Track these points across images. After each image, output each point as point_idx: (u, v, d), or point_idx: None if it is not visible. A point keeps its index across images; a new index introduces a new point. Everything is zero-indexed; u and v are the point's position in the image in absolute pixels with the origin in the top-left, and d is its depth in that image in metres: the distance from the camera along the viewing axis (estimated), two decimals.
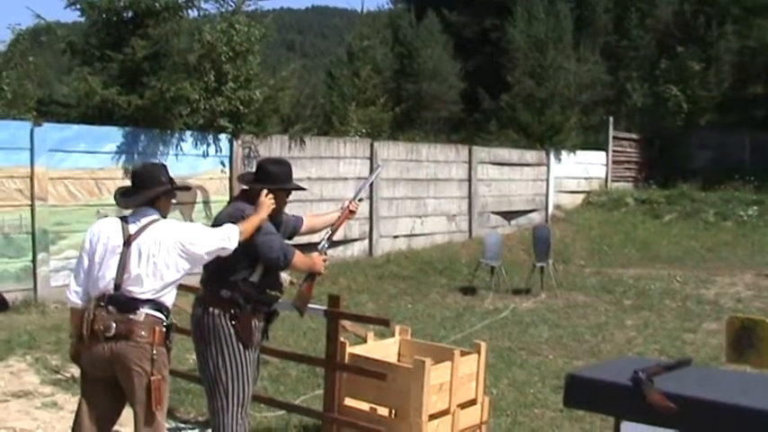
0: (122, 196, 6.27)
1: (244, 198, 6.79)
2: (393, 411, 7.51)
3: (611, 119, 32.04)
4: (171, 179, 6.31)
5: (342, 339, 7.52)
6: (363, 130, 24.41)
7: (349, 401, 7.52)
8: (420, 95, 36.68)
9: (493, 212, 25.29)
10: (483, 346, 7.61)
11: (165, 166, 6.54)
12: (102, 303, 5.89)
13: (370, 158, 20.84)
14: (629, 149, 33.43)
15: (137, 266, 5.89)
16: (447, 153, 23.91)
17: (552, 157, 28.08)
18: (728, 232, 25.71)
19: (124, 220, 6.09)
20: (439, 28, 39.47)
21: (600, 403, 5.55)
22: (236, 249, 6.27)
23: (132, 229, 6.00)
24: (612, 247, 19.58)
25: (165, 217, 6.25)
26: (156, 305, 5.95)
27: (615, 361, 6.02)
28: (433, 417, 7.07)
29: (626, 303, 15.96)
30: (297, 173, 19.17)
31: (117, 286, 5.88)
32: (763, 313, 13.24)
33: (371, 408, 7.42)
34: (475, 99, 35.85)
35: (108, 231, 6.05)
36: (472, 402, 7.52)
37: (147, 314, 5.89)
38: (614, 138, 32.11)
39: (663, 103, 34.79)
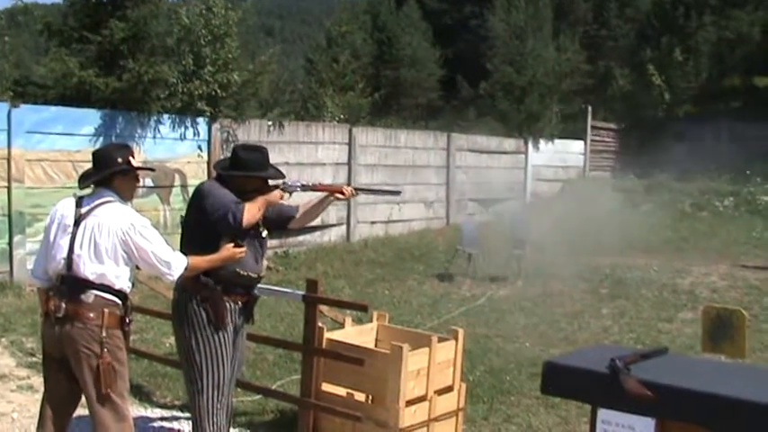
0: (81, 178, 6.18)
1: (217, 182, 6.67)
2: (370, 397, 7.51)
3: (589, 108, 32.14)
4: (129, 160, 6.11)
5: (319, 324, 7.51)
6: (342, 116, 24.38)
7: (326, 387, 7.51)
8: (399, 82, 36.79)
9: (470, 200, 25.32)
10: (460, 332, 7.61)
11: (126, 147, 6.43)
12: (58, 283, 5.84)
13: (349, 144, 20.82)
14: (607, 139, 33.58)
15: (80, 247, 5.79)
16: (425, 140, 23.93)
17: (530, 145, 28.14)
18: (704, 222, 25.80)
19: (80, 199, 6.00)
20: (418, 15, 39.60)
21: (577, 391, 5.57)
22: (200, 230, 6.34)
23: (84, 209, 5.89)
24: (590, 236, 19.58)
25: (127, 199, 6.15)
26: (106, 287, 5.82)
27: (592, 349, 6.04)
28: (410, 403, 7.06)
29: (602, 292, 15.97)
30: (275, 158, 19.10)
31: (68, 266, 5.79)
32: (738, 303, 13.32)
33: (348, 393, 7.42)
34: (454, 86, 35.99)
35: (63, 210, 5.98)
36: (449, 389, 7.53)
37: (96, 296, 5.78)
38: (592, 127, 32.24)
39: (646, 92, 34.90)
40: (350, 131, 21.14)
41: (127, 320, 6.00)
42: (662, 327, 13.30)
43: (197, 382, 6.45)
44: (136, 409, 8.58)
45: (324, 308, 8.01)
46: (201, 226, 6.32)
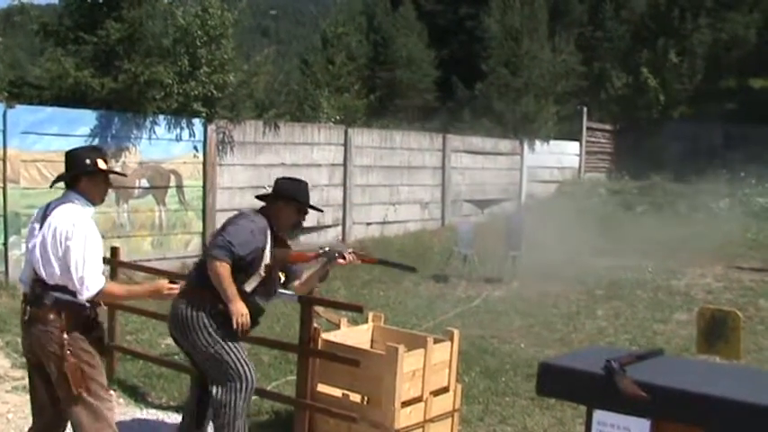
0: (55, 179, 6.14)
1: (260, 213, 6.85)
2: (366, 398, 7.51)
3: (584, 109, 32.19)
4: (96, 162, 5.97)
5: (315, 325, 7.51)
6: (337, 117, 24.39)
7: (322, 387, 7.52)
8: (394, 83, 36.77)
9: (466, 201, 25.34)
10: (456, 333, 7.62)
11: (97, 150, 6.30)
12: (30, 287, 5.85)
13: (345, 145, 20.83)
14: (602, 140, 33.63)
15: (38, 250, 5.78)
16: (421, 141, 23.95)
17: (526, 146, 28.16)
18: (700, 224, 25.79)
19: (50, 202, 5.98)
20: (414, 16, 39.57)
21: (572, 392, 5.58)
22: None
23: (48, 211, 5.88)
24: (585, 237, 19.62)
25: (96, 201, 6.06)
26: (65, 289, 5.75)
27: (587, 350, 6.06)
28: (405, 404, 7.08)
29: (597, 293, 15.99)
30: (270, 159, 19.21)
31: (34, 270, 5.80)
32: (733, 305, 13.32)
33: (344, 394, 7.42)
34: (449, 87, 35.97)
35: (36, 214, 5.99)
36: (444, 390, 7.54)
37: (56, 298, 5.73)
38: (588, 128, 32.29)
39: (641, 93, 34.95)
40: (345, 132, 21.15)
41: (96, 321, 5.96)
42: (657, 328, 13.33)
43: (235, 380, 6.56)
44: (131, 410, 8.59)
45: (319, 309, 8.02)
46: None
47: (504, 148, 27.44)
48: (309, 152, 20.01)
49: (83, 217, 5.85)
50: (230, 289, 6.43)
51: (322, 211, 7.14)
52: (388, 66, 37.44)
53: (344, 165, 20.84)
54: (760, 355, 11.40)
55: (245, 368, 6.57)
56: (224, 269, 6.41)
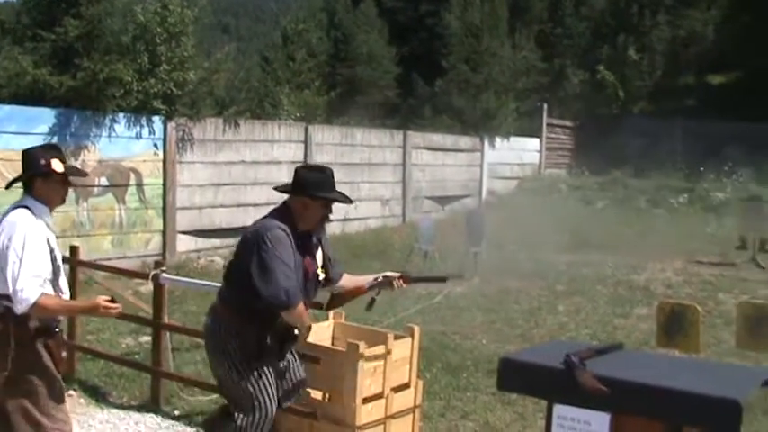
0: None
1: (277, 213, 6.26)
2: (327, 395, 7.50)
3: (545, 106, 32.35)
4: (50, 163, 5.67)
5: None
6: (298, 114, 24.36)
7: None
8: (355, 80, 36.74)
9: (427, 197, 25.38)
10: (416, 329, 7.63)
11: (53, 149, 5.97)
12: None
13: (305, 142, 20.82)
14: (562, 136, 33.79)
15: None
16: (381, 138, 23.98)
17: (486, 143, 28.24)
18: (660, 219, 26.00)
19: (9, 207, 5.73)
20: (375, 13, 39.56)
21: (533, 387, 5.60)
22: (247, 274, 5.95)
23: (2, 217, 5.68)
24: (545, 232, 19.71)
25: (53, 204, 5.81)
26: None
27: (548, 345, 6.09)
28: (366, 400, 7.07)
29: (558, 289, 16.06)
30: (230, 156, 19.14)
31: None
32: (692, 299, 13.42)
33: (305, 391, 7.41)
34: (410, 84, 35.99)
35: None
36: (406, 386, 7.54)
37: (6, 307, 5.49)
38: (548, 124, 32.45)
39: (600, 90, 35.14)
40: (306, 130, 21.13)
41: (54, 331, 5.71)
42: (617, 322, 13.40)
43: (251, 412, 6.14)
44: (92, 410, 8.55)
45: None
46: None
47: (464, 145, 27.51)
48: (270, 149, 19.97)
49: (26, 225, 5.57)
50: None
51: (351, 202, 6.69)
52: (348, 62, 37.40)
53: (305, 162, 20.80)
54: (719, 348, 11.48)
55: (264, 400, 6.16)
56: (302, 309, 6.07)
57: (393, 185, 24.04)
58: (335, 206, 6.36)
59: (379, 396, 7.23)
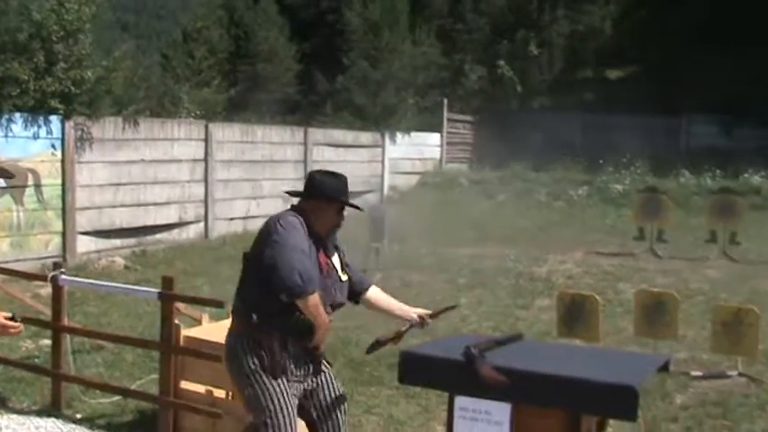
0: None
1: (289, 211, 6.00)
2: (230, 393, 7.48)
3: (445, 101, 32.51)
4: None
5: (176, 322, 7.46)
6: (198, 112, 24.20)
7: (185, 384, 7.47)
8: (256, 77, 36.59)
9: None
10: None
11: None
12: None
13: (205, 140, 20.69)
14: (463, 131, 34.01)
15: None
16: (282, 135, 23.94)
17: (387, 138, 28.35)
18: (559, 211, 26.34)
19: None
20: (275, 10, 39.43)
21: (434, 379, 5.65)
22: (259, 264, 5.67)
23: None
24: (447, 227, 19.84)
25: None
26: None
27: (449, 338, 6.13)
28: None
29: (460, 282, 16.14)
30: (130, 155, 18.94)
31: None
32: (592, 289, 13.58)
33: (208, 390, 7.38)
34: (311, 81, 35.95)
35: None
36: None
37: None
38: (448, 119, 32.63)
39: (499, 85, 35.44)
40: (206, 127, 21.00)
41: None
42: (519, 314, 13.53)
43: (267, 429, 5.76)
44: None
45: (180, 305, 7.97)
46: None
47: (365, 141, 27.58)
48: (170, 148, 19.80)
49: None
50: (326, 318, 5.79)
51: (362, 210, 6.64)
52: (249, 60, 37.24)
53: (206, 160, 20.69)
54: (619, 337, 11.66)
55: (282, 416, 5.77)
56: (317, 299, 5.67)
57: (295, 182, 23.94)
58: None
59: None
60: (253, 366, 5.73)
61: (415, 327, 6.50)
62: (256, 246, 5.84)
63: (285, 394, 5.78)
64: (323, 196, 5.99)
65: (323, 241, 5.97)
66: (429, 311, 6.57)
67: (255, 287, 5.77)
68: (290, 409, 5.80)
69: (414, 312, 6.51)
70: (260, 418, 5.77)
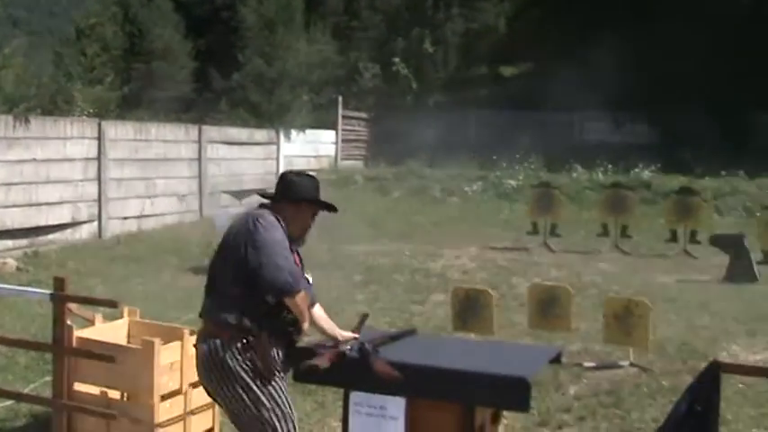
0: None
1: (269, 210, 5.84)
2: (125, 394, 7.44)
3: (340, 98, 32.58)
4: None
5: (68, 323, 7.37)
6: (91, 110, 23.90)
7: (79, 386, 7.38)
8: (151, 75, 36.29)
9: (224, 192, 25.26)
10: None
11: None
12: None
13: (98, 139, 20.42)
14: (358, 128, 34.13)
15: None
16: (176, 133, 23.75)
17: (282, 136, 28.32)
18: (454, 207, 26.53)
19: None
20: (170, 7, 39.16)
21: (329, 376, 5.68)
22: (242, 264, 5.52)
23: None
24: (342, 223, 19.84)
25: None
26: None
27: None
28: (164, 397, 7.04)
29: (356, 279, 16.16)
30: (21, 154, 18.64)
31: None
32: (487, 284, 13.72)
33: (102, 391, 7.32)
34: (206, 78, 35.76)
35: None
36: None
37: None
38: (344, 117, 32.72)
39: (394, 82, 35.60)
40: (99, 126, 20.72)
41: None
42: (415, 309, 13.59)
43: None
44: None
45: (73, 306, 7.87)
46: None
47: (260, 138, 27.50)
48: (62, 146, 19.50)
49: None
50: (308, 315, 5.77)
51: (337, 211, 6.32)
52: (144, 57, 36.92)
53: (99, 159, 20.42)
54: (513, 330, 11.77)
55: (289, 416, 5.71)
56: (304, 295, 5.68)
57: (189, 180, 23.83)
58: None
59: (177, 393, 7.20)
60: (247, 371, 5.54)
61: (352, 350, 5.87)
62: (234, 246, 5.66)
63: (285, 393, 5.70)
64: (302, 198, 5.94)
65: (294, 243, 5.86)
66: (353, 333, 6.16)
67: (239, 289, 5.58)
68: (291, 407, 5.74)
69: (346, 335, 6.10)
70: (271, 419, 5.61)
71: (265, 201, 6.04)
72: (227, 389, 5.57)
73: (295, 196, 5.91)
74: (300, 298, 5.57)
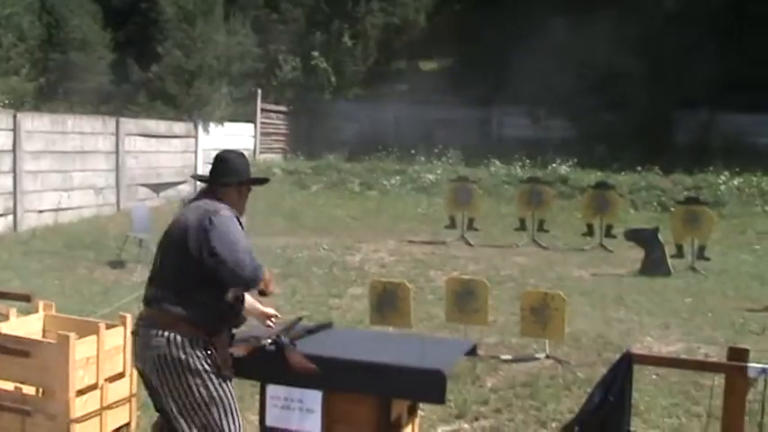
0: None
1: (209, 200, 5.79)
2: (40, 390, 7.37)
3: (259, 91, 32.50)
4: None
5: None
6: (6, 101, 23.61)
7: None
8: (68, 66, 35.82)
9: (141, 185, 25.08)
10: (129, 318, 7.57)
11: None
12: None
13: (14, 130, 20.18)
14: (277, 121, 34.09)
15: None
16: (94, 125, 23.52)
17: (201, 128, 28.18)
18: (373, 201, 26.63)
19: None
20: None
21: (246, 369, 5.70)
22: (198, 263, 5.44)
23: None
24: (260, 216, 19.81)
25: None
26: None
27: (260, 328, 6.17)
28: (80, 392, 6.98)
29: (274, 272, 16.09)
30: None
31: None
32: (405, 277, 13.83)
33: (17, 387, 7.24)
34: (124, 70, 35.40)
35: None
36: (121, 375, 7.48)
37: None
38: (263, 110, 32.63)
39: (313, 76, 35.57)
40: (14, 117, 20.48)
41: None
42: (333, 303, 13.65)
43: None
44: None
45: None
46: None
47: (178, 131, 27.35)
48: None
49: None
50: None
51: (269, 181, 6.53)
52: (61, 48, 36.44)
53: (14, 151, 20.18)
54: (431, 323, 11.89)
55: (233, 425, 5.57)
56: (269, 277, 5.85)
57: (106, 173, 23.63)
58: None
59: (93, 387, 7.15)
60: (206, 367, 5.47)
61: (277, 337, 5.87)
62: (188, 244, 5.56)
63: (233, 391, 5.62)
64: (247, 180, 5.93)
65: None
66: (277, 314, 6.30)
67: (198, 286, 5.50)
68: (235, 410, 5.62)
69: (267, 311, 6.24)
70: (220, 420, 5.52)
71: (203, 184, 6.08)
72: (181, 383, 5.48)
73: (240, 179, 5.85)
74: (266, 279, 5.73)
